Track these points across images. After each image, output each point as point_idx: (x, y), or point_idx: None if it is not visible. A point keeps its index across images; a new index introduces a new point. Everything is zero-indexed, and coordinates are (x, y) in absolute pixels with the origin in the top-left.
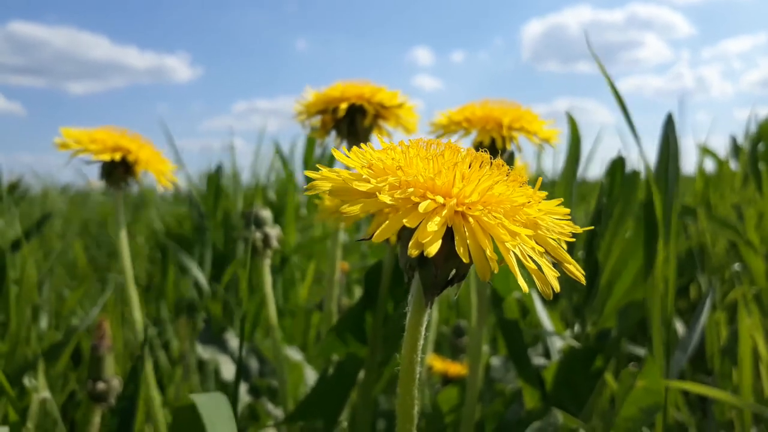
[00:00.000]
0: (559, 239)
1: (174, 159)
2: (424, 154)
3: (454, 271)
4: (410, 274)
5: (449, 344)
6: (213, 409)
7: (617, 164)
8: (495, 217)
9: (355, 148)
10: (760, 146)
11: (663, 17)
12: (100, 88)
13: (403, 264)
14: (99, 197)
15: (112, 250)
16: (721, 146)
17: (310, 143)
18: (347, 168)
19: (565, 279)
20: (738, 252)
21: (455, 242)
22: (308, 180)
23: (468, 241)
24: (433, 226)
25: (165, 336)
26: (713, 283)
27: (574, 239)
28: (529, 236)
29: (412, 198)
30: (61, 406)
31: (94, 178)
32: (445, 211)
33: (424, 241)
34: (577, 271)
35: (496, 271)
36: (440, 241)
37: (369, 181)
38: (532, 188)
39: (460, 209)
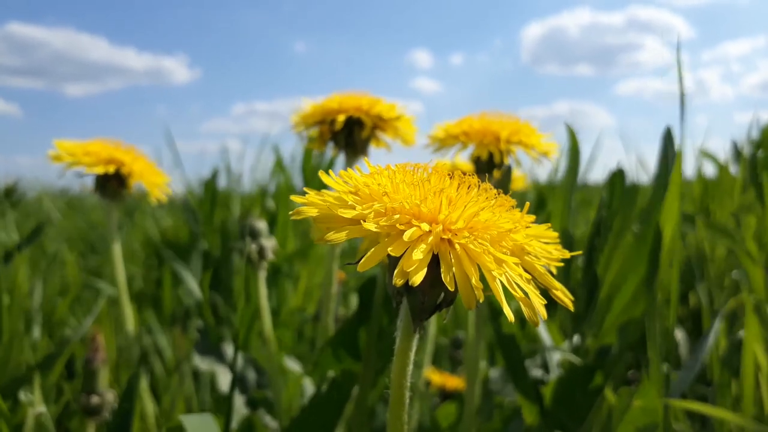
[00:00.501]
0: (547, 264)
1: (174, 164)
2: (411, 180)
3: (442, 296)
4: (398, 300)
5: (448, 356)
6: (199, 430)
7: (617, 176)
8: (481, 243)
9: (342, 172)
10: (760, 152)
11: (662, 20)
12: (98, 89)
13: (391, 291)
14: (95, 202)
15: (108, 256)
16: (720, 150)
17: (308, 151)
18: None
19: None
20: (737, 260)
21: (441, 270)
22: (294, 205)
23: (454, 269)
24: (419, 254)
25: (160, 345)
26: (721, 307)
27: (563, 264)
28: (516, 263)
29: (398, 225)
30: (55, 418)
31: (90, 183)
32: (430, 238)
33: (409, 270)
34: (565, 297)
35: (481, 301)
36: (425, 270)
37: (354, 208)
38: (521, 210)
39: (446, 236)
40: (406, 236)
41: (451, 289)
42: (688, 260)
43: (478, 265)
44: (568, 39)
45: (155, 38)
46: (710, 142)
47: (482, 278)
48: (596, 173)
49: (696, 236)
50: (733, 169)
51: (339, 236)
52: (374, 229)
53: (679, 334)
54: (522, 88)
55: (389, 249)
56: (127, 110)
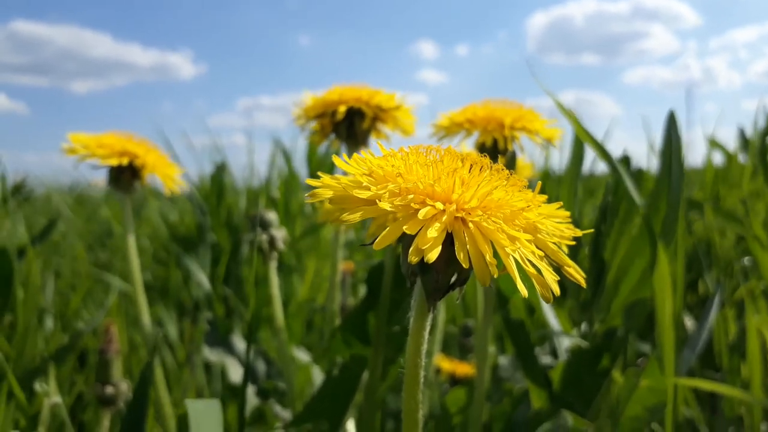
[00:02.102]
0: (559, 243)
1: (172, 158)
2: (424, 161)
3: (455, 276)
4: (412, 280)
5: (457, 344)
6: (203, 415)
7: (622, 162)
8: (494, 222)
9: (355, 155)
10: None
11: (669, 7)
12: (104, 86)
13: (405, 270)
14: (103, 197)
15: (117, 250)
16: (730, 138)
17: (313, 143)
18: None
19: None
20: (746, 247)
21: (455, 248)
22: (310, 187)
23: (468, 247)
24: (433, 232)
25: (171, 336)
26: (721, 280)
27: (574, 242)
28: (529, 240)
29: (412, 205)
30: (69, 408)
31: (96, 179)
32: (444, 217)
33: (424, 248)
34: (577, 274)
35: (495, 276)
36: (440, 247)
37: (369, 189)
38: (533, 191)
39: (459, 215)
40: (420, 215)
41: (465, 266)
42: (697, 247)
43: (492, 243)
44: (574, 28)
45: (160, 34)
46: (720, 131)
47: (496, 255)
48: (603, 163)
49: (705, 223)
50: (742, 157)
51: (354, 216)
52: (389, 209)
53: (689, 322)
54: (528, 78)
55: (404, 227)
56: (132, 106)
